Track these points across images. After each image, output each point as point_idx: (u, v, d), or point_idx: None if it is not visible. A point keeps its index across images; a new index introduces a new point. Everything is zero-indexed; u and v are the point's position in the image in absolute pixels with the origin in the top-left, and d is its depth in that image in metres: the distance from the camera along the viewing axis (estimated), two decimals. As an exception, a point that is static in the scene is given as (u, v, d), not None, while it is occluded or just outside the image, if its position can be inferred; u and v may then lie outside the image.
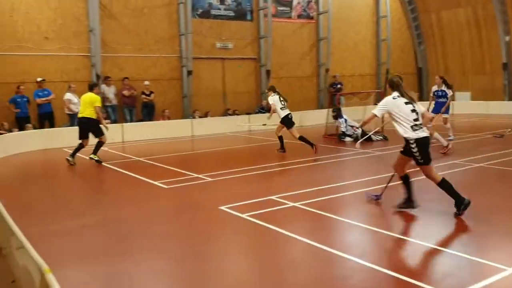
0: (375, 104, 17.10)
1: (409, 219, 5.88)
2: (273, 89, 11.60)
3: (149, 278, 4.37)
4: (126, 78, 15.49)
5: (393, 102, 5.88)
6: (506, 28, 20.40)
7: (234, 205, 6.51)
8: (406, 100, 5.83)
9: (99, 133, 10.37)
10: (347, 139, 12.98)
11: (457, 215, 5.69)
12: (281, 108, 11.16)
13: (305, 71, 20.33)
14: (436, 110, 12.27)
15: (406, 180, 6.11)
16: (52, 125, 14.02)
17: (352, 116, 13.87)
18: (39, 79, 13.92)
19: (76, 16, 14.92)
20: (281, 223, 5.67)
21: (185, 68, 16.73)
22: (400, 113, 5.78)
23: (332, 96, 17.49)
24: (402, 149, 6.05)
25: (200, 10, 17.26)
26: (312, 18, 20.32)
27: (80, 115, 10.41)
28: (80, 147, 10.39)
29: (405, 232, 5.41)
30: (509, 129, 13.59)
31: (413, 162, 5.90)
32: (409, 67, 23.72)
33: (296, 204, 6.49)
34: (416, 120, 5.76)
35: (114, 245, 5.26)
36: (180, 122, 15.77)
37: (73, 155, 10.24)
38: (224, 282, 4.27)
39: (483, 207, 6.26)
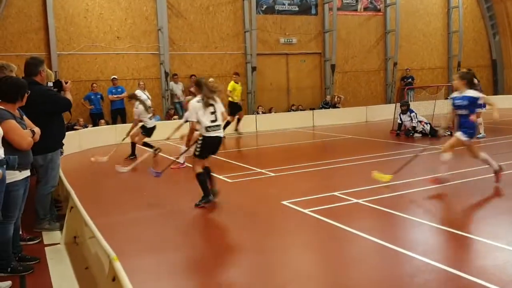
0: (446, 98, 16.43)
1: (478, 217, 5.58)
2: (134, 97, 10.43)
3: (213, 268, 4.47)
4: (193, 75, 15.90)
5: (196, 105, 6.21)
6: None
7: (297, 200, 6.51)
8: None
9: None
10: (416, 135, 12.46)
11: (197, 205, 6.28)
12: (149, 118, 10.34)
13: (372, 65, 19.81)
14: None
15: (207, 174, 6.47)
16: (124, 120, 14.73)
17: (422, 111, 13.34)
18: (112, 77, 14.68)
19: (145, 16, 15.54)
20: (343, 220, 5.59)
21: (249, 64, 16.90)
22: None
23: (402, 90, 16.93)
24: None
25: (265, 6, 17.34)
26: (379, 10, 19.73)
27: None
28: None
29: (474, 230, 5.13)
30: None
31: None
32: (482, 59, 22.38)
33: (360, 201, 6.37)
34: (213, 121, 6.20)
35: (179, 237, 5.44)
36: (244, 118, 15.95)
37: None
38: (287, 275, 4.28)
39: None
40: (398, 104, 14.28)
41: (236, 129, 14.13)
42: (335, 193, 6.80)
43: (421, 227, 5.39)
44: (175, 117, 15.07)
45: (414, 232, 5.35)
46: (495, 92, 22.25)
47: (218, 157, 10.65)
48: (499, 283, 3.77)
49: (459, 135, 6.83)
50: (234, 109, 13.74)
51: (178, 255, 4.86)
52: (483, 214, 5.73)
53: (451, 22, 21.17)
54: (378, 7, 19.73)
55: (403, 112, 12.69)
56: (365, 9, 19.49)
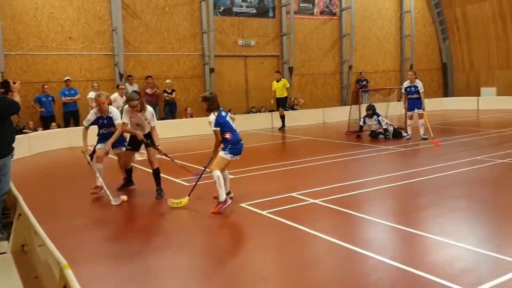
0: (398, 100, 16.98)
1: (430, 216, 5.77)
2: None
3: (170, 272, 4.40)
4: (150, 76, 15.66)
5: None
6: (534, 22, 19.81)
7: (255, 202, 6.52)
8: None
9: None
10: (380, 136, 12.50)
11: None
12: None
13: (328, 67, 20.17)
14: (410, 107, 12.07)
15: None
16: (77, 123, 14.28)
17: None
18: (65, 79, 14.20)
19: (99, 16, 15.15)
20: (301, 220, 5.64)
21: (207, 66, 16.81)
22: None
23: (357, 93, 17.33)
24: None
25: (222, 8, 17.31)
26: (334, 14, 20.13)
27: None
28: None
29: (425, 228, 5.30)
30: None
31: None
32: (433, 63, 23.29)
33: (317, 201, 6.45)
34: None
35: (133, 242, 5.31)
36: (202, 120, 15.74)
37: None
38: (246, 278, 4.27)
39: (505, 203, 6.13)
40: (355, 106, 14.63)
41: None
42: (293, 194, 6.85)
43: (376, 226, 5.51)
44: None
45: (369, 231, 5.46)
46: (445, 94, 23.22)
47: (177, 161, 10.54)
48: (447, 278, 3.91)
49: None
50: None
51: (133, 262, 4.74)
52: (434, 212, 5.93)
53: (404, 26, 21.91)
54: (334, 11, 20.12)
55: (369, 116, 12.69)
56: (321, 13, 19.84)
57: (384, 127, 12.45)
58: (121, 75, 15.18)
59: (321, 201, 6.46)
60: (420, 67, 21.56)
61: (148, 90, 15.48)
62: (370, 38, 21.20)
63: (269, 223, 5.76)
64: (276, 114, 16.88)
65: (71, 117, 14.29)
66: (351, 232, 5.40)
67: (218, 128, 6.30)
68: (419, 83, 12.09)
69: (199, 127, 15.07)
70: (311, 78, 19.64)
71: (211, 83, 16.79)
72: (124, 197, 6.94)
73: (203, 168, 7.05)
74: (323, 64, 20.02)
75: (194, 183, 6.98)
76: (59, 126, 13.91)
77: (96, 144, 7.65)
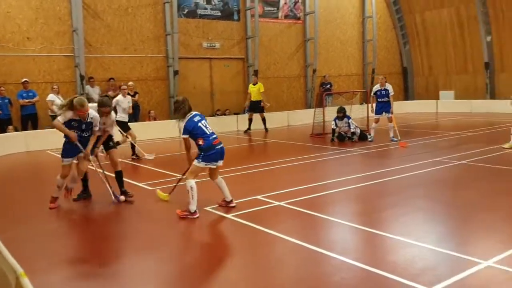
0: (361, 103, 17.32)
1: (392, 216, 5.89)
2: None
3: (133, 279, 4.30)
4: (112, 78, 15.34)
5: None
6: (487, 29, 20.70)
7: (219, 205, 6.46)
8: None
9: None
10: (347, 139, 12.58)
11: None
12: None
13: (292, 71, 20.35)
14: (378, 111, 12.39)
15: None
16: (35, 126, 13.82)
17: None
18: (23, 80, 13.71)
19: (59, 16, 14.73)
20: (266, 223, 5.64)
21: (171, 68, 16.63)
22: None
23: (321, 96, 17.56)
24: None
25: (186, 10, 17.17)
26: (299, 18, 20.35)
27: None
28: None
29: (388, 228, 5.41)
30: None
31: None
32: (394, 67, 23.91)
33: (282, 203, 6.47)
34: None
35: (92, 249, 5.17)
36: (166, 123, 15.63)
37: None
38: (212, 282, 4.23)
39: (463, 203, 6.34)
40: (319, 109, 14.78)
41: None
42: (258, 197, 6.85)
43: (339, 227, 5.58)
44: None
45: (332, 232, 5.52)
46: (406, 98, 23.86)
47: (138, 164, 10.36)
48: (408, 277, 3.99)
49: None
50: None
51: (92, 268, 4.61)
52: (396, 212, 6.06)
53: (366, 31, 22.39)
54: (298, 15, 20.34)
55: (340, 118, 12.68)
56: (286, 17, 20.01)
57: (352, 130, 12.62)
58: (82, 77, 14.80)
59: (286, 203, 6.48)
60: (381, 71, 22.09)
61: (110, 93, 15.03)
62: (334, 43, 21.55)
63: (234, 226, 5.73)
64: (243, 117, 16.87)
65: (29, 120, 13.80)
66: (315, 233, 5.44)
67: (187, 136, 6.04)
68: (389, 87, 12.46)
69: (163, 130, 14.91)
70: (276, 81, 19.76)
71: (175, 86, 16.62)
72: (122, 197, 6.89)
73: (180, 176, 6.96)
74: (288, 67, 20.19)
75: (174, 185, 6.92)
76: (16, 130, 13.40)
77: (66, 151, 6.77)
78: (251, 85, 16.17)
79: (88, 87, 14.97)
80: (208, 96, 18.01)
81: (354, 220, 5.86)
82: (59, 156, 6.81)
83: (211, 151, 6.04)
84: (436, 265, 4.28)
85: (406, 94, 24.14)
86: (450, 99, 22.15)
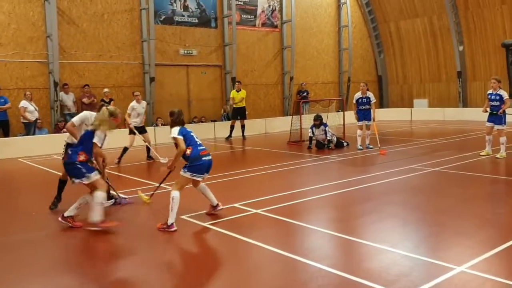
0: (337, 111, 17.49)
1: (368, 222, 5.95)
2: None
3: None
4: (87, 85, 15.11)
5: None
6: (459, 38, 21.25)
7: (196, 214, 6.42)
8: None
9: None
10: (324, 146, 12.68)
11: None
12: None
13: (270, 78, 20.45)
14: (360, 118, 12.54)
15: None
16: (6, 133, 13.48)
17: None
18: (-7, 86, 13.39)
19: (32, 21, 14.45)
20: (243, 231, 5.62)
21: (147, 75, 16.49)
22: None
23: (298, 104, 17.68)
24: None
25: (163, 17, 17.09)
26: (276, 26, 20.49)
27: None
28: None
29: (364, 235, 5.45)
30: None
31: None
32: (369, 75, 24.28)
33: (259, 211, 6.46)
34: None
35: (69, 260, 5.05)
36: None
37: None
38: (184, 293, 4.17)
39: (437, 209, 6.44)
40: (296, 117, 14.84)
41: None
42: (235, 205, 6.82)
43: (316, 234, 5.60)
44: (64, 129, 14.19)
45: (309, 239, 5.53)
46: (381, 106, 24.20)
47: (110, 171, 10.20)
48: (383, 283, 4.03)
49: None
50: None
51: (69, 280, 4.49)
52: (372, 219, 6.12)
53: (342, 40, 22.71)
54: (275, 23, 20.48)
55: (316, 126, 12.73)
56: (263, 25, 20.12)
57: (328, 138, 12.71)
58: (55, 84, 14.52)
59: (263, 211, 6.47)
60: (357, 79, 22.41)
61: (85, 100, 14.93)
62: (310, 51, 21.77)
63: (211, 235, 5.69)
64: (220, 124, 16.83)
65: (1, 127, 13.46)
66: (292, 241, 5.45)
67: (181, 137, 5.90)
68: (370, 95, 12.61)
69: (139, 138, 14.71)
70: (253, 89, 19.80)
71: (152, 93, 16.48)
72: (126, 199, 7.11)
73: (158, 185, 6.89)
74: (265, 75, 20.28)
75: (152, 193, 6.96)
76: (-14, 137, 13.05)
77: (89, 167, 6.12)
78: (234, 92, 16.14)
79: (62, 94, 14.70)
80: (185, 103, 17.91)
81: (330, 227, 5.90)
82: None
83: (197, 162, 5.93)
84: (411, 271, 4.33)
85: (381, 102, 24.50)
86: (424, 107, 22.61)
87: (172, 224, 5.76)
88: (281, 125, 17.53)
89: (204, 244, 5.52)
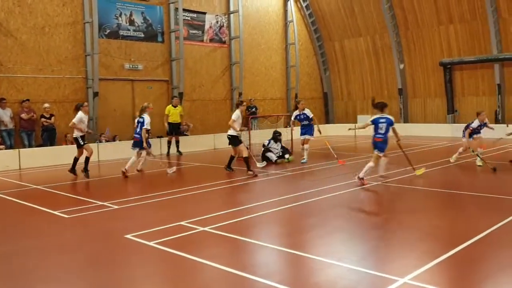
0: (285, 127, 17.70)
1: (315, 237, 5.98)
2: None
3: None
4: (27, 100, 14.40)
5: None
6: (400, 57, 22.29)
7: (141, 233, 6.20)
8: None
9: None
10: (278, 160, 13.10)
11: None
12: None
13: (218, 94, 20.42)
14: (302, 133, 13.24)
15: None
16: None
17: (262, 138, 14.11)
18: None
19: (-34, 32, 13.68)
20: (189, 249, 5.48)
21: (90, 90, 15.97)
22: None
23: (247, 119, 17.73)
24: None
25: (108, 30, 16.70)
26: (224, 42, 20.57)
27: None
28: None
29: (310, 250, 5.48)
30: None
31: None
32: (316, 92, 24.88)
33: (206, 229, 6.34)
34: None
35: (13, 282, 4.70)
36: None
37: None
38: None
39: (381, 222, 6.60)
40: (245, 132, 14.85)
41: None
42: (182, 223, 6.66)
43: (263, 250, 5.56)
44: (2, 146, 13.44)
45: (257, 256, 5.48)
46: (327, 121, 24.81)
47: (53, 191, 9.77)
48: (331, 299, 4.03)
49: None
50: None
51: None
52: (318, 233, 6.16)
53: (289, 57, 23.16)
54: (223, 39, 20.57)
55: (276, 141, 13.32)
56: (211, 40, 20.15)
57: (280, 152, 13.12)
58: (-9, 98, 13.74)
59: (211, 228, 6.36)
60: (304, 95, 22.87)
61: (24, 115, 14.21)
62: (259, 67, 22.01)
63: (157, 254, 5.50)
64: (164, 140, 16.55)
65: None
66: (239, 258, 5.37)
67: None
68: (307, 111, 13.14)
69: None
70: (202, 104, 19.69)
71: (95, 108, 15.95)
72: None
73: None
74: (214, 90, 20.24)
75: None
76: None
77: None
78: (171, 107, 16.05)
79: (-3, 109, 13.93)
80: (130, 118, 17.42)
81: (277, 242, 5.87)
82: None
83: None
84: (356, 285, 4.37)
85: (327, 117, 25.13)
86: (368, 123, 23.34)
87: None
88: (230, 140, 17.46)
89: (149, 263, 5.31)
